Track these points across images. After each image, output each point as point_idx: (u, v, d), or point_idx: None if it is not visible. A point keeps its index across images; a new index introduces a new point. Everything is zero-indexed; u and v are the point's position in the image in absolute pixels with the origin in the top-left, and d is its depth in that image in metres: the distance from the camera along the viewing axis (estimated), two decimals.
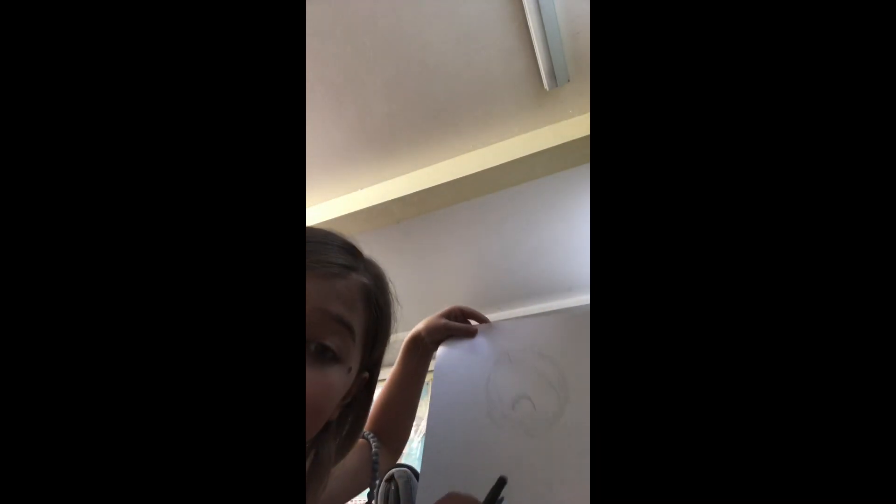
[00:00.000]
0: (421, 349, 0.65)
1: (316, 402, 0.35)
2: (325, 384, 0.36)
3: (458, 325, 0.65)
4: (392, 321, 0.47)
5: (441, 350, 0.66)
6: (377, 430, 0.61)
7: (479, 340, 0.65)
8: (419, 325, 0.66)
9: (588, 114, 0.97)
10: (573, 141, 0.97)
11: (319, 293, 0.36)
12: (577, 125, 0.98)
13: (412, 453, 1.73)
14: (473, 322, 0.69)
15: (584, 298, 1.52)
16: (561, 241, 1.32)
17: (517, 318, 0.69)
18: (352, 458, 0.54)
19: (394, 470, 0.95)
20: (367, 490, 0.56)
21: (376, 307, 0.43)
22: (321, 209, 1.20)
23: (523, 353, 0.59)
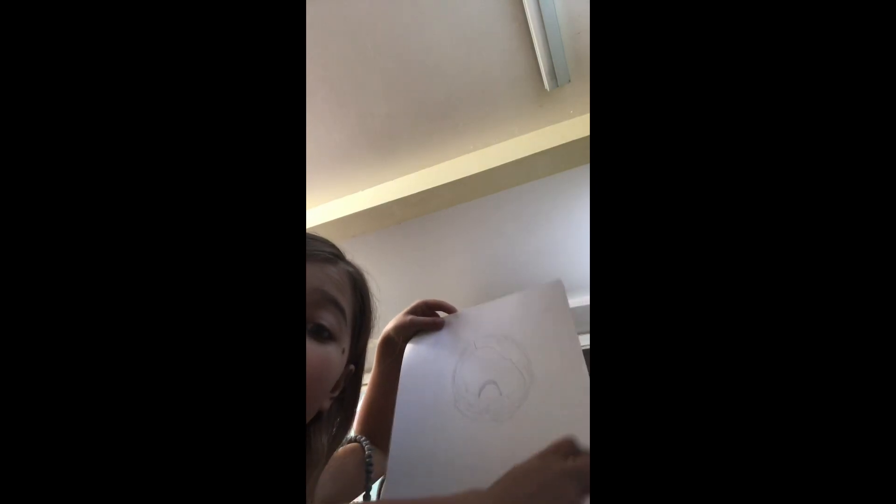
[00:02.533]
0: (393, 349, 0.65)
1: (316, 372, 0.36)
2: (323, 357, 0.38)
3: (424, 318, 0.65)
4: (373, 317, 0.48)
5: (408, 347, 0.65)
6: (366, 433, 0.61)
7: (445, 332, 0.64)
8: (388, 326, 0.66)
9: (589, 114, 0.97)
10: (574, 141, 0.97)
11: (314, 276, 0.38)
12: (578, 126, 0.98)
13: None
14: (442, 314, 0.68)
15: (584, 299, 1.52)
16: (562, 242, 1.32)
17: (483, 304, 0.65)
18: (346, 462, 0.54)
19: None
20: (364, 493, 0.56)
21: (361, 296, 0.45)
22: (322, 210, 1.20)
23: (487, 338, 0.58)
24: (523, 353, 0.53)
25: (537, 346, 0.53)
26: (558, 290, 0.57)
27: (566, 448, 0.36)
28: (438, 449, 0.50)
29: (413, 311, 0.66)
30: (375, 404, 0.64)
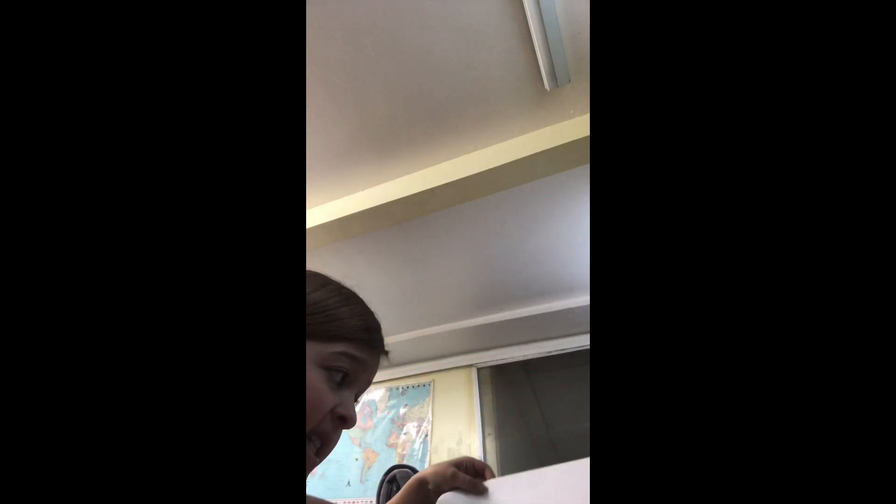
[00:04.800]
0: (424, 492, 0.65)
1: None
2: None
3: (467, 478, 0.64)
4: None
5: (442, 498, 0.65)
6: None
7: (483, 499, 0.64)
8: (427, 470, 0.66)
9: (589, 114, 0.97)
10: (574, 141, 0.97)
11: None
12: (578, 125, 0.98)
13: (413, 454, 1.73)
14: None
15: (584, 299, 1.52)
16: (562, 242, 1.32)
17: (526, 474, 0.67)
18: None
19: (396, 471, 0.95)
20: None
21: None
22: (322, 211, 1.20)
23: None
24: None
25: None
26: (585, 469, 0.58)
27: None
28: None
29: (458, 465, 0.65)
30: None
